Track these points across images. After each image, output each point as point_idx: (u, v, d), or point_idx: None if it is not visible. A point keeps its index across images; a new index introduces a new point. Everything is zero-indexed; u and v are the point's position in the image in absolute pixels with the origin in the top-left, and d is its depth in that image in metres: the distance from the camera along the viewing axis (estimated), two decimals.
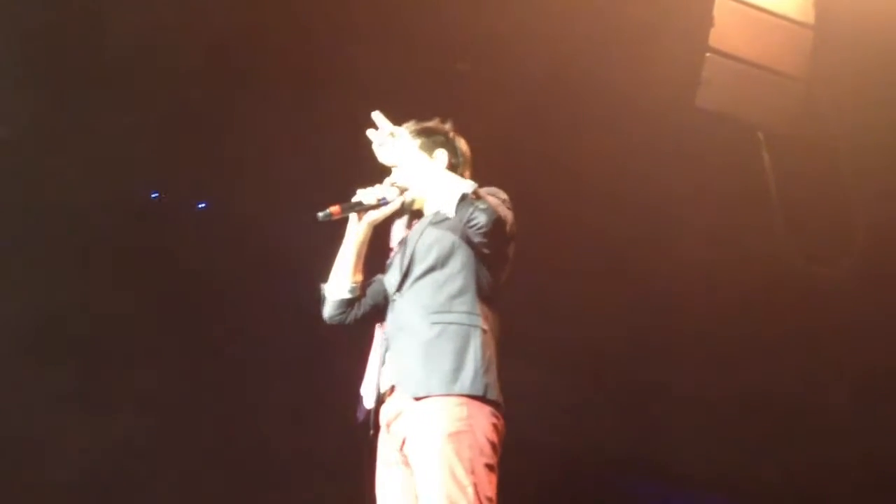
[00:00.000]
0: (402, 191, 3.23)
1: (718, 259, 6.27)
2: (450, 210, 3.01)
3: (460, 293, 3.05)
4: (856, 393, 6.24)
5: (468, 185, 3.01)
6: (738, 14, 5.47)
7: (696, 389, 6.45)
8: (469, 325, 3.02)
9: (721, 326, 6.36)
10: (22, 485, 5.70)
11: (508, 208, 3.11)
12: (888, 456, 6.17)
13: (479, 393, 2.95)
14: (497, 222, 2.97)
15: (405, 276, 3.13)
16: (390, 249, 3.34)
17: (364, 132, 3.23)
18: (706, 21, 5.36)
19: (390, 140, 3.18)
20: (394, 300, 3.15)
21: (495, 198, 3.08)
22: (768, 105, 5.62)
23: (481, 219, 2.95)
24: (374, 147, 3.24)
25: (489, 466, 2.94)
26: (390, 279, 3.21)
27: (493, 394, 2.98)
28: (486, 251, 3.06)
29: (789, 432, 6.45)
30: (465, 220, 2.98)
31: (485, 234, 2.98)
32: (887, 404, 6.17)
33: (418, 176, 3.19)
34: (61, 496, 5.75)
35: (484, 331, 3.03)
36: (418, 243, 3.13)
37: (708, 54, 5.41)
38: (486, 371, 2.98)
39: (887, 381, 6.13)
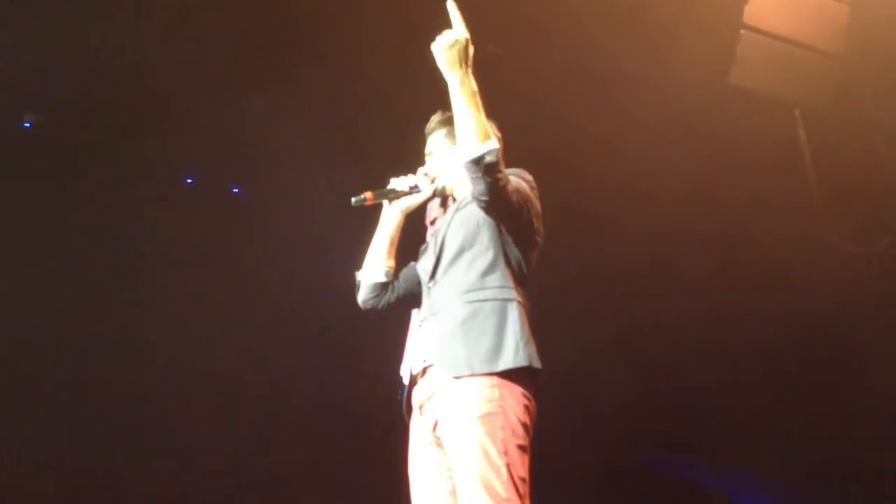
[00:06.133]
0: (433, 179, 3.27)
1: (755, 237, 6.24)
2: (462, 160, 2.91)
3: (491, 269, 3.04)
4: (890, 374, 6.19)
5: (490, 148, 2.87)
6: None
7: (728, 370, 6.44)
8: (504, 300, 3.01)
9: (756, 305, 6.34)
10: None
11: (533, 193, 3.09)
12: None
13: (524, 363, 2.94)
14: (500, 196, 2.92)
15: (437, 263, 3.14)
16: (425, 228, 3.37)
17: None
18: None
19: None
20: (429, 288, 3.16)
21: (518, 178, 3.06)
22: (804, 82, 5.57)
23: (480, 187, 2.91)
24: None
25: (521, 447, 2.94)
26: (424, 267, 3.23)
27: (537, 362, 2.98)
28: (506, 225, 3.04)
29: (821, 415, 6.42)
30: (470, 186, 2.94)
31: (485, 206, 2.95)
32: None
33: (446, 164, 3.22)
34: None
35: (520, 302, 3.03)
36: (448, 231, 3.15)
37: (743, 31, 5.36)
38: (528, 342, 2.98)
39: None
